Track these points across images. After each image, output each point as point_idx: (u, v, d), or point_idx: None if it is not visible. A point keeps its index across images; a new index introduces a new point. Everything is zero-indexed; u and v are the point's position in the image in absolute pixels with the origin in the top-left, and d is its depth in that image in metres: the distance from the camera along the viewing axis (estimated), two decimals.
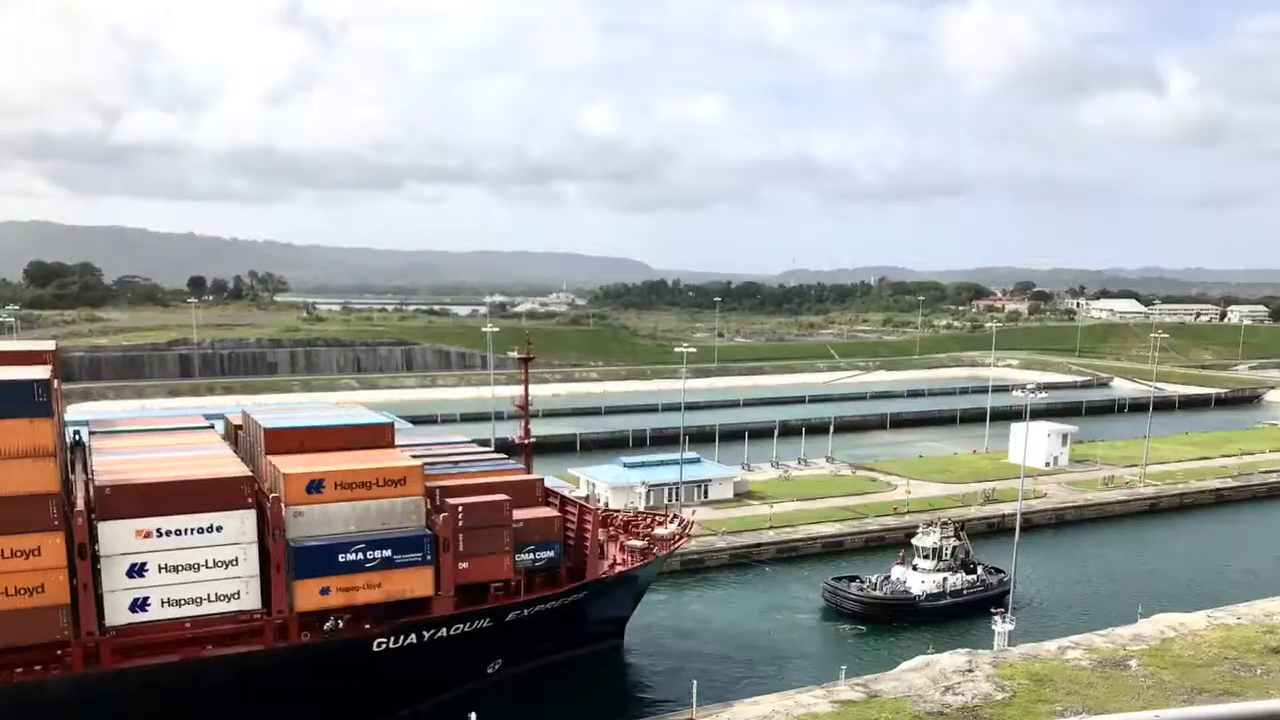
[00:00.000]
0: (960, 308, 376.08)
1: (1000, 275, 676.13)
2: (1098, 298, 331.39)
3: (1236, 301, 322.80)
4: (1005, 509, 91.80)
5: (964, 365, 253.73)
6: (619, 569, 59.76)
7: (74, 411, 74.40)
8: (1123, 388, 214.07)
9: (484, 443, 79.03)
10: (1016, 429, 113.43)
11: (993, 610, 59.82)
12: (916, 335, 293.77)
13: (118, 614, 43.14)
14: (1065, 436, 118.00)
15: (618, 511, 74.41)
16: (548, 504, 58.81)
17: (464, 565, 50.36)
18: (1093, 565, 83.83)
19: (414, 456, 53.96)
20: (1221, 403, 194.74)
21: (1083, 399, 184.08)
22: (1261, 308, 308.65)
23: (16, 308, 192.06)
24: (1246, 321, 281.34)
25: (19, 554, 40.81)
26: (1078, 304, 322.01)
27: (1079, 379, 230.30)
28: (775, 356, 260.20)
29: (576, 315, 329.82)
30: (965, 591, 70.39)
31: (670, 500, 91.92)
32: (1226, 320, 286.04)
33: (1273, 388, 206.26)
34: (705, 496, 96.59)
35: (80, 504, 44.17)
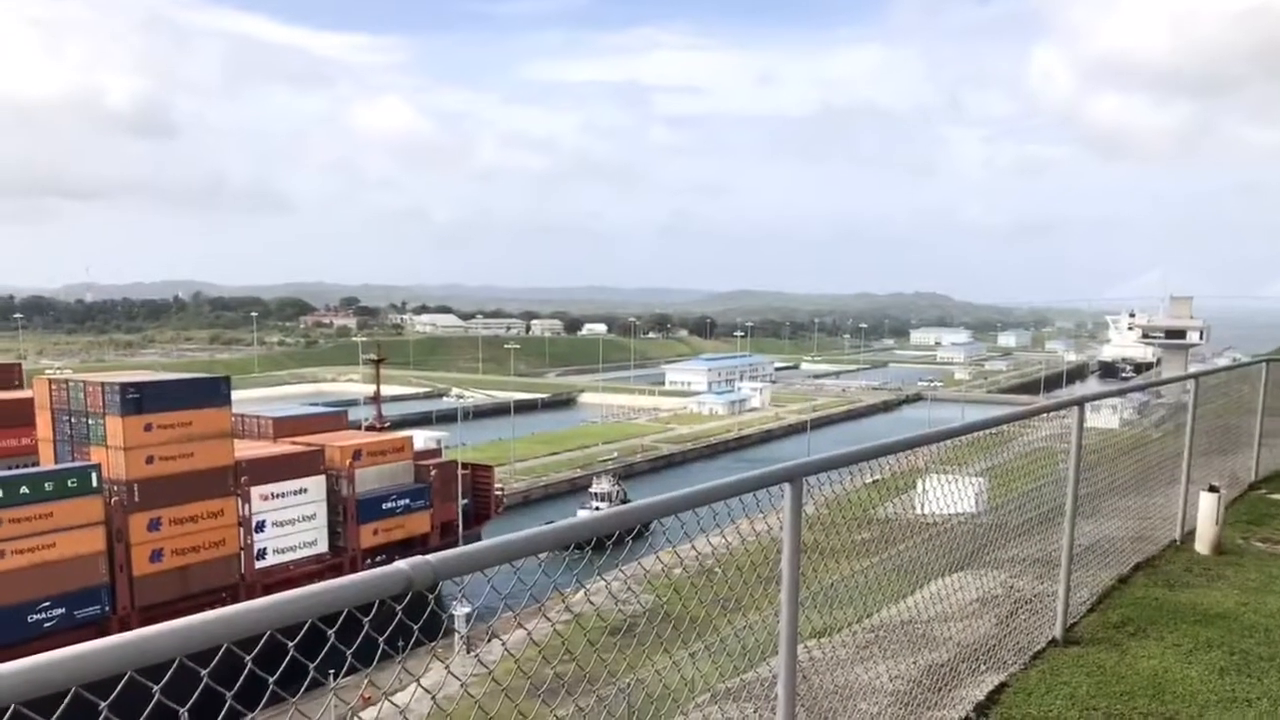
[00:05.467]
0: None
1: None
2: (420, 312, 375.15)
3: (536, 316, 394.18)
4: None
5: None
6: None
7: None
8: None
9: None
10: None
11: None
12: None
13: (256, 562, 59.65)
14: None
15: None
16: None
17: None
18: None
19: None
20: (547, 406, 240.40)
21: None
22: (556, 321, 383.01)
23: None
24: (548, 334, 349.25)
25: (211, 515, 56.43)
26: (402, 319, 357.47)
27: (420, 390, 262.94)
28: None
29: None
30: None
31: None
32: (531, 333, 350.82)
33: (583, 391, 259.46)
34: None
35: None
